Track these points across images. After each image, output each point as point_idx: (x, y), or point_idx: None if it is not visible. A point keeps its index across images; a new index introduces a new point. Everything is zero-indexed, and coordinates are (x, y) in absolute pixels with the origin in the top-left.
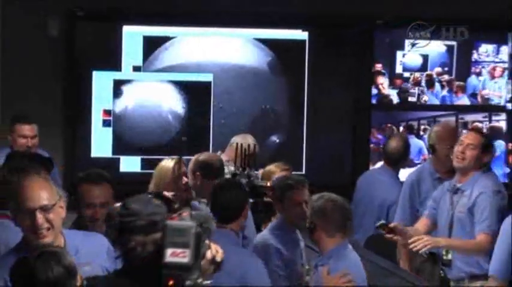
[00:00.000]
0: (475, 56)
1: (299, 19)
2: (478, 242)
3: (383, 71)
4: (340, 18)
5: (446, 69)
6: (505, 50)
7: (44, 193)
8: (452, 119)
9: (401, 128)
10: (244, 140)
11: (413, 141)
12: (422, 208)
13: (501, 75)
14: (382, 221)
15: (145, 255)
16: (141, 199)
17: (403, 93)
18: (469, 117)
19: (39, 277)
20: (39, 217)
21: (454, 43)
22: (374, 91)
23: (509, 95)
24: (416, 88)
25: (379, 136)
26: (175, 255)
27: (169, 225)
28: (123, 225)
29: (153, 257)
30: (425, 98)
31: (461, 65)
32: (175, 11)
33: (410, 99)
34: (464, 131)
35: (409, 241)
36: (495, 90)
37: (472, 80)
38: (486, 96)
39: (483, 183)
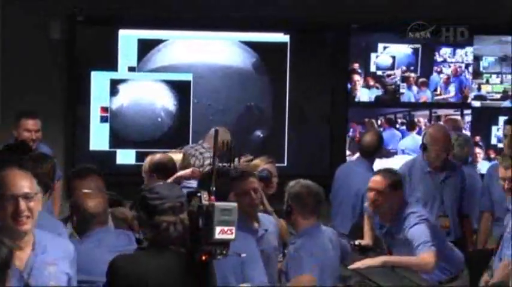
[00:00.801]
0: (436, 57)
1: (281, 23)
2: (422, 259)
3: (359, 70)
4: (318, 22)
5: (412, 68)
6: (461, 51)
7: (26, 182)
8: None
9: (380, 121)
10: (224, 135)
11: (392, 132)
12: (410, 197)
13: (460, 74)
14: (356, 242)
15: (176, 235)
16: (165, 184)
17: (388, 89)
18: (441, 112)
19: None
20: (22, 203)
21: (418, 46)
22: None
23: (474, 93)
24: (399, 84)
25: (360, 129)
26: (223, 233)
27: (216, 206)
28: (154, 208)
29: (181, 235)
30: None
31: (425, 65)
32: (168, 16)
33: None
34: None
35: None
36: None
37: (434, 77)
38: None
39: (410, 217)
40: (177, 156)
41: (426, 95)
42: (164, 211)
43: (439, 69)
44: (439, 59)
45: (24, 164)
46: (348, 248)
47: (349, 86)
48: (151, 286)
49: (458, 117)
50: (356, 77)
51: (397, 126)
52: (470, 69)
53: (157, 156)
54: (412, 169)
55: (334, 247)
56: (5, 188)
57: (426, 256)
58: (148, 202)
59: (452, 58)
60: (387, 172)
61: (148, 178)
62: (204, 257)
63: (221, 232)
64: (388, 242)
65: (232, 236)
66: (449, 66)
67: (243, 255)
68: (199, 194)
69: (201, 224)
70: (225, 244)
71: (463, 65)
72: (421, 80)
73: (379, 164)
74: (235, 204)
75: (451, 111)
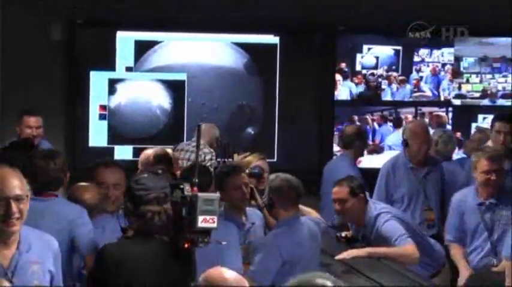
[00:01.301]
0: (415, 58)
1: (271, 25)
2: (405, 249)
3: (346, 69)
4: (307, 25)
5: (393, 67)
6: (439, 52)
7: (18, 184)
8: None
9: (375, 117)
10: (211, 130)
11: (387, 127)
12: (395, 193)
13: (438, 73)
14: (343, 233)
15: (160, 224)
16: (149, 176)
17: (370, 85)
18: (425, 109)
19: None
20: (14, 206)
21: (399, 47)
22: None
23: (455, 92)
24: (381, 81)
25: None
26: (206, 221)
27: (200, 196)
28: (140, 198)
29: (165, 225)
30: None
31: (405, 64)
32: (163, 18)
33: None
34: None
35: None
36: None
37: (414, 75)
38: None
39: (379, 218)
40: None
41: (405, 92)
42: (149, 201)
43: (418, 68)
44: (418, 59)
45: (34, 161)
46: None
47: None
48: (138, 272)
49: (443, 114)
50: (338, 77)
51: (390, 123)
52: (447, 68)
53: (159, 149)
54: (395, 166)
55: (313, 238)
56: None
57: (408, 247)
58: (134, 192)
59: (430, 58)
60: (345, 181)
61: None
62: (186, 245)
63: (204, 221)
64: (368, 243)
65: (214, 225)
66: (428, 66)
67: (224, 243)
68: (181, 186)
69: (184, 214)
70: (206, 232)
71: (440, 65)
72: (400, 78)
73: (368, 159)
74: (217, 195)
75: (435, 108)
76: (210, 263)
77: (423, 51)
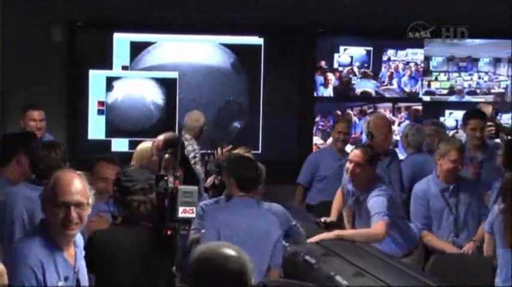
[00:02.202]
0: (384, 57)
1: (256, 28)
2: (373, 229)
3: (325, 67)
4: (289, 27)
5: (365, 65)
6: (404, 52)
7: (80, 190)
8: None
9: (355, 112)
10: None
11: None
12: None
13: (403, 70)
14: (322, 219)
15: (145, 212)
16: (136, 169)
17: (343, 81)
18: (401, 104)
19: None
20: (73, 211)
21: (370, 48)
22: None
23: (424, 89)
24: (352, 77)
25: (330, 120)
26: (185, 212)
27: (180, 188)
28: (127, 189)
29: (150, 213)
30: (361, 87)
31: (375, 62)
32: (157, 21)
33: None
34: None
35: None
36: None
37: (382, 72)
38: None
39: (375, 190)
40: (146, 145)
41: (374, 86)
42: (135, 191)
43: (386, 66)
44: (385, 58)
45: (37, 151)
46: (297, 230)
47: (317, 82)
48: (125, 257)
49: (420, 107)
50: (318, 74)
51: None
52: (411, 66)
53: (169, 134)
54: None
55: (267, 221)
56: (58, 193)
57: (377, 226)
58: (122, 183)
59: (395, 57)
60: (366, 148)
61: (158, 154)
62: (169, 232)
63: (183, 212)
64: (355, 209)
65: (193, 215)
66: (394, 63)
67: (203, 231)
68: (165, 178)
69: (166, 204)
70: (187, 221)
71: (405, 63)
72: (371, 74)
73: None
74: (196, 187)
75: (409, 103)
76: None
77: (390, 52)
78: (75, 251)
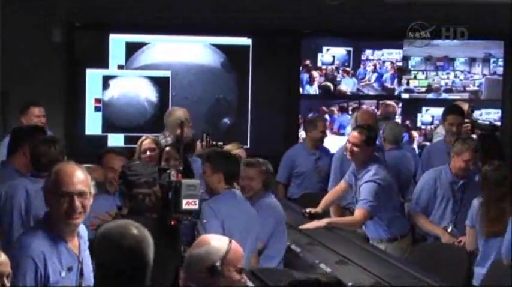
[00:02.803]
0: (363, 57)
1: (245, 29)
2: (354, 217)
3: (310, 65)
4: (275, 29)
5: (346, 64)
6: (380, 52)
7: (82, 180)
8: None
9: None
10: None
11: (345, 117)
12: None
13: (380, 69)
14: (307, 210)
15: (150, 204)
16: (140, 163)
17: (327, 78)
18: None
19: None
20: (77, 201)
21: (350, 49)
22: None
23: (404, 87)
24: (336, 75)
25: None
26: (189, 204)
27: (183, 182)
28: (132, 182)
29: (154, 205)
30: (343, 86)
31: (355, 61)
32: (150, 22)
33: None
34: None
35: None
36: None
37: (361, 70)
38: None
39: (368, 174)
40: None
41: (354, 83)
42: (140, 185)
43: (364, 65)
44: (364, 58)
45: (37, 146)
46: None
47: (303, 80)
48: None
49: (393, 103)
50: (304, 71)
51: (349, 112)
52: (387, 65)
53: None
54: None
55: (252, 211)
56: (61, 184)
57: (357, 213)
58: (127, 177)
59: (372, 56)
60: (364, 129)
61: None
62: (173, 223)
63: (187, 204)
64: (354, 183)
65: (196, 207)
66: (372, 63)
67: (204, 221)
68: (168, 171)
69: (170, 196)
70: (190, 212)
71: (381, 62)
72: (351, 72)
73: (331, 140)
74: (198, 181)
75: (392, 101)
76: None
77: (368, 52)
78: (79, 241)
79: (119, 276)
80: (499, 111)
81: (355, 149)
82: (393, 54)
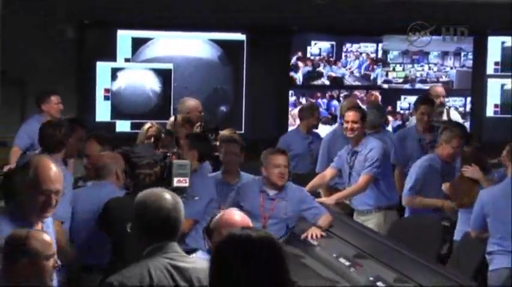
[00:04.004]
0: (344, 49)
1: (240, 26)
2: (358, 183)
3: (301, 56)
4: (268, 25)
5: (330, 55)
6: (358, 45)
7: (59, 179)
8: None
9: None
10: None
11: (334, 103)
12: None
13: (359, 59)
14: None
15: (150, 184)
16: (142, 146)
17: (314, 66)
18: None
19: None
20: (53, 199)
21: (334, 42)
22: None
23: (383, 78)
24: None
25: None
26: (180, 182)
27: (175, 162)
28: (135, 164)
29: (154, 184)
30: (332, 73)
31: (338, 53)
32: (155, 20)
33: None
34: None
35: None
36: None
37: (343, 60)
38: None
39: (371, 143)
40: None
41: (339, 70)
42: (142, 166)
43: (346, 56)
44: (344, 49)
45: (44, 129)
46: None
47: (292, 72)
48: (131, 220)
49: (376, 93)
50: (295, 62)
51: (341, 100)
52: (364, 56)
53: (185, 115)
54: (335, 136)
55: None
56: (42, 180)
57: (361, 179)
58: (131, 159)
59: (351, 48)
60: (358, 108)
61: (180, 129)
62: None
63: (178, 181)
64: (351, 160)
65: (187, 184)
66: (352, 54)
67: (196, 198)
68: (168, 154)
69: (165, 175)
70: (181, 189)
71: (360, 54)
72: (335, 61)
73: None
74: (188, 161)
75: (374, 91)
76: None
77: (348, 45)
78: (42, 226)
79: (157, 232)
80: (463, 99)
81: (355, 125)
82: (368, 47)
